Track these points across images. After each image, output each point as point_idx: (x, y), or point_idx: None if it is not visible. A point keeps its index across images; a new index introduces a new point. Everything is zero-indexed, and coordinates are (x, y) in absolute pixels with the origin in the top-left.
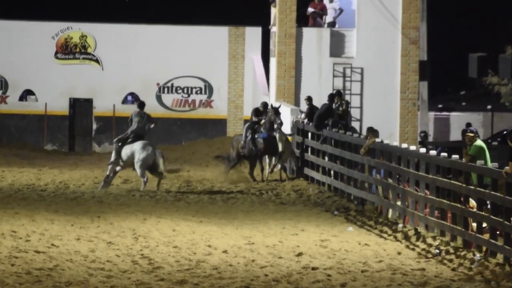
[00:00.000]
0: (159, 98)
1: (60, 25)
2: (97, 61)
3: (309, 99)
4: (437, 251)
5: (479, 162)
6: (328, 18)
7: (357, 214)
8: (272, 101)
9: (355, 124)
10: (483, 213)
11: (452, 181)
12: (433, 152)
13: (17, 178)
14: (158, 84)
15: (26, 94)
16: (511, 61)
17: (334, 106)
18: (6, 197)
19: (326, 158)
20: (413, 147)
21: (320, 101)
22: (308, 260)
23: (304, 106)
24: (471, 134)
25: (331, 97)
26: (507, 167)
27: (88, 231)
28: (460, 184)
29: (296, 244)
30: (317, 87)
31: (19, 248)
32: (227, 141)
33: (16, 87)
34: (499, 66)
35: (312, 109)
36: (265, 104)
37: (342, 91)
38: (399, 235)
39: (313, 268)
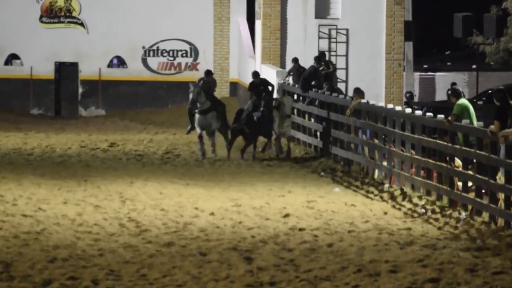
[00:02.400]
0: (144, 62)
1: None
2: (82, 24)
3: (295, 60)
4: (423, 210)
5: (465, 121)
6: None
7: (344, 175)
8: (257, 63)
9: (341, 86)
10: (469, 172)
11: (438, 141)
12: (418, 112)
13: (4, 143)
14: (143, 47)
15: (12, 58)
16: (495, 20)
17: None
18: None
19: (312, 120)
20: (398, 108)
21: (305, 63)
22: (295, 221)
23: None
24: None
25: (317, 59)
26: (492, 126)
27: (75, 194)
28: (445, 143)
29: (283, 206)
30: (303, 49)
31: (6, 212)
32: None
33: (1, 51)
34: (484, 26)
35: (298, 70)
36: (255, 73)
37: (327, 52)
38: (385, 195)
39: (300, 229)
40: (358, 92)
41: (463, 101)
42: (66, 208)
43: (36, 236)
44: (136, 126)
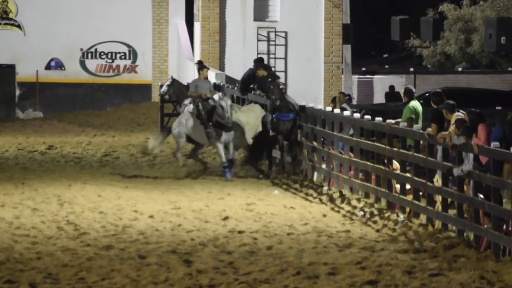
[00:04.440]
0: (83, 64)
1: None
2: (19, 26)
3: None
4: (362, 212)
5: (403, 124)
6: None
7: (283, 178)
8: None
9: None
10: (406, 174)
11: (376, 144)
12: (356, 115)
13: None
14: (81, 49)
15: None
16: (432, 23)
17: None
18: None
19: None
20: (337, 110)
21: (244, 65)
22: (235, 223)
23: (228, 71)
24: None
25: (256, 61)
26: (429, 129)
27: (12, 197)
28: (383, 146)
29: (222, 208)
30: (242, 51)
31: None
32: (152, 107)
33: None
34: (421, 29)
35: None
36: (260, 61)
37: (266, 55)
38: (324, 198)
39: (240, 232)
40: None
41: (414, 103)
42: (3, 211)
43: None
44: (74, 129)
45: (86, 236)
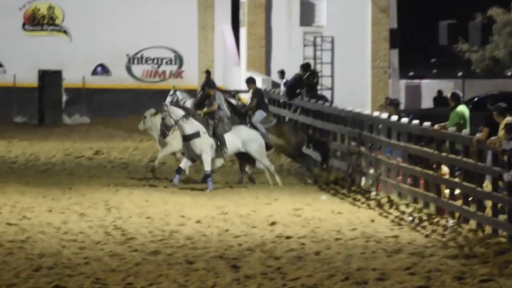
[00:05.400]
0: (129, 69)
1: None
2: (65, 32)
3: (281, 72)
4: (410, 218)
5: (451, 129)
6: None
7: (331, 183)
8: (243, 71)
9: (327, 93)
10: (456, 179)
11: (424, 148)
12: (404, 120)
13: None
14: (128, 55)
15: None
16: (480, 28)
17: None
18: None
19: None
20: (384, 115)
21: (290, 70)
22: (282, 229)
23: (274, 76)
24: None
25: (302, 67)
26: (478, 134)
27: (59, 203)
28: (432, 151)
29: (269, 214)
30: (288, 57)
31: None
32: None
33: None
34: (469, 33)
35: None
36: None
37: (312, 60)
38: (372, 203)
39: (287, 237)
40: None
41: (461, 108)
42: (51, 216)
43: (21, 245)
44: (120, 134)
45: (133, 241)
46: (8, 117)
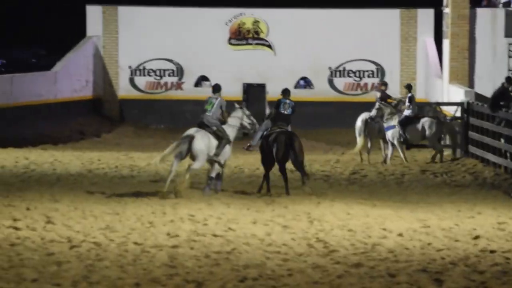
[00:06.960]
0: (331, 82)
1: (233, 11)
2: (269, 46)
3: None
4: None
5: None
6: None
7: None
8: (445, 83)
9: None
10: None
11: None
12: None
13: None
14: (329, 68)
15: (201, 80)
16: None
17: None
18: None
19: (502, 140)
20: None
21: (494, 82)
22: (486, 243)
23: (478, 88)
24: None
25: (508, 79)
26: None
27: (263, 214)
28: None
29: (472, 227)
30: (491, 68)
31: (197, 232)
32: None
33: (191, 73)
34: None
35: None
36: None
37: None
38: None
39: (491, 251)
40: None
41: None
42: (255, 228)
43: (227, 256)
44: (321, 146)
45: (335, 253)
46: None
